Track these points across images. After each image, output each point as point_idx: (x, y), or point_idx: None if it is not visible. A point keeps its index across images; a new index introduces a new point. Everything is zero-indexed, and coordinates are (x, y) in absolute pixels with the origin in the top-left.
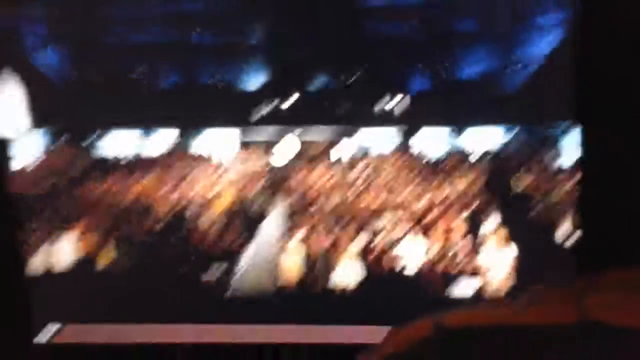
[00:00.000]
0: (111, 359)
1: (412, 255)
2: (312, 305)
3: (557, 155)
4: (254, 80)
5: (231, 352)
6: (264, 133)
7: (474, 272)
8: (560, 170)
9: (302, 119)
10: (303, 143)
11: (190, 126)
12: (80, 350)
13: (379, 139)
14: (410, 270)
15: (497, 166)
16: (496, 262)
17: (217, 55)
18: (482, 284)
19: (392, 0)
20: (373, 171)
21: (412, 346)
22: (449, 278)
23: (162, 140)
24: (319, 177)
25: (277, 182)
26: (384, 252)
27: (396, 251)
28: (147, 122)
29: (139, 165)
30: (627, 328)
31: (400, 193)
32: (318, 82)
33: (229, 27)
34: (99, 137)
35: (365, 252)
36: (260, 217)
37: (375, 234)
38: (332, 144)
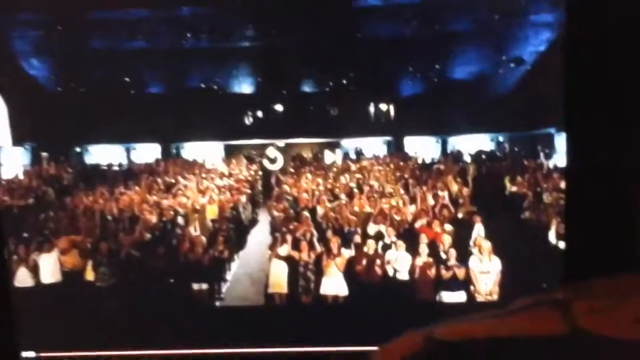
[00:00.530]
0: None
1: (402, 262)
2: (301, 313)
3: (547, 159)
4: (241, 90)
5: None
6: (251, 143)
7: (464, 278)
8: (549, 174)
9: (290, 128)
10: (290, 152)
11: (175, 138)
12: None
13: (368, 147)
14: (400, 277)
15: (487, 171)
16: (486, 267)
17: (206, 62)
18: (473, 290)
19: (383, 0)
20: (362, 178)
21: (403, 359)
22: (439, 285)
23: (147, 152)
24: (306, 186)
25: (264, 191)
26: (373, 259)
27: (386, 258)
28: (132, 135)
29: (123, 177)
30: (614, 338)
31: (390, 199)
32: (305, 89)
33: (219, 33)
34: (84, 150)
35: (354, 260)
36: (248, 226)
37: (365, 240)
38: (320, 152)
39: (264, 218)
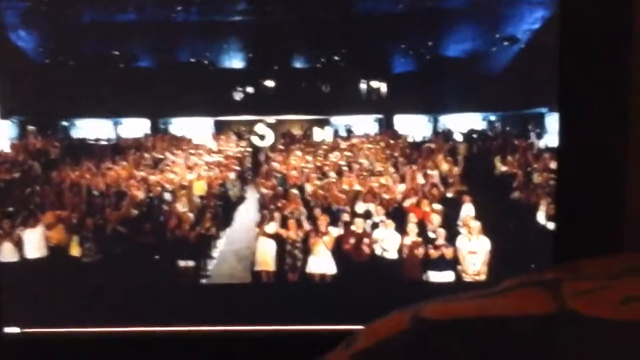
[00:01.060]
0: (84, 349)
1: (390, 241)
2: (288, 291)
3: (538, 139)
4: (231, 65)
5: (207, 338)
6: (240, 119)
7: (452, 258)
8: (540, 154)
9: (280, 105)
10: (280, 129)
11: (163, 113)
12: (50, 339)
13: (359, 124)
14: (388, 256)
15: (478, 150)
16: (474, 247)
17: (196, 36)
18: (460, 270)
19: None
20: (352, 156)
21: (389, 339)
22: (427, 264)
23: (135, 127)
24: (295, 163)
25: (253, 168)
26: (361, 238)
27: (374, 237)
28: (120, 109)
29: (111, 152)
30: (602, 318)
31: (379, 178)
32: (297, 65)
33: (209, 7)
34: (71, 124)
35: (342, 238)
36: (236, 203)
37: (353, 219)
38: (310, 130)
39: (252, 195)
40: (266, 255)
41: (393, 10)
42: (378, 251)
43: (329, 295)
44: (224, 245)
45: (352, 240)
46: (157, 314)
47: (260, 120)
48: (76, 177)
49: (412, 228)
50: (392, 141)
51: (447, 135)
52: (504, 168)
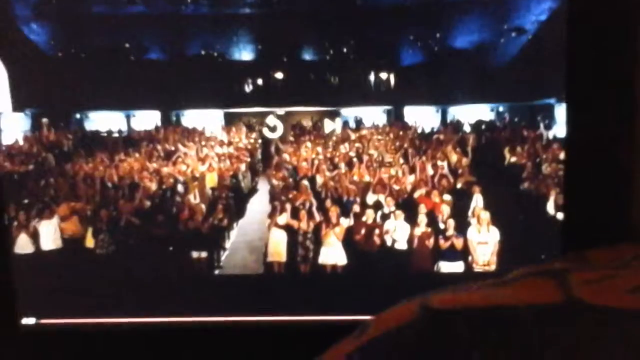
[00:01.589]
0: (99, 339)
1: (400, 232)
2: (300, 281)
3: (547, 130)
4: (241, 57)
5: (220, 328)
6: (251, 111)
7: (462, 249)
8: (549, 144)
9: (290, 96)
10: (290, 121)
11: (175, 105)
12: (65, 331)
13: (368, 116)
14: (399, 247)
15: (487, 141)
16: (484, 238)
17: (205, 28)
18: (470, 261)
19: None
20: (362, 147)
21: (399, 328)
22: (437, 254)
23: (147, 119)
24: (306, 154)
25: (264, 160)
26: (371, 229)
27: (384, 228)
28: (132, 101)
29: (123, 144)
30: (608, 307)
31: (389, 169)
32: (306, 57)
33: (218, 0)
34: (84, 117)
35: (353, 229)
36: (248, 194)
37: (364, 210)
38: (320, 121)
39: (263, 187)
40: (278, 246)
41: (401, 2)
42: (389, 242)
43: (340, 285)
44: (236, 237)
45: (362, 231)
46: (171, 305)
47: (271, 112)
48: (90, 169)
49: (422, 219)
50: (401, 132)
51: (456, 126)
52: (513, 159)
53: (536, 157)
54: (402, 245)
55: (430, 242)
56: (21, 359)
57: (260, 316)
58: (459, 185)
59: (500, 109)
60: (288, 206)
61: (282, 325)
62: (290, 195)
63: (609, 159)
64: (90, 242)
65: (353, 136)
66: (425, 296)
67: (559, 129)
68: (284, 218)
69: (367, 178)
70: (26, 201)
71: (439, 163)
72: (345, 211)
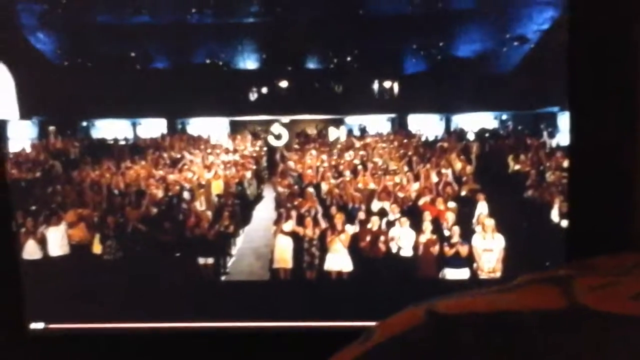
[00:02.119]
0: (106, 344)
1: (405, 239)
2: (306, 288)
3: (550, 138)
4: (246, 66)
5: (226, 334)
6: (256, 119)
7: (467, 256)
8: (552, 152)
9: (294, 105)
10: (295, 129)
11: (180, 113)
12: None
13: (372, 124)
14: (404, 254)
15: (491, 149)
16: (489, 245)
17: (210, 37)
18: (475, 268)
19: None
20: (366, 155)
21: (403, 333)
22: (442, 261)
23: (153, 127)
24: (311, 162)
25: (269, 167)
26: (377, 235)
27: (389, 235)
28: (138, 110)
29: (130, 151)
30: (611, 313)
31: (394, 176)
32: (310, 66)
33: (223, 9)
34: (90, 124)
35: (358, 236)
36: (253, 201)
37: (369, 217)
38: (325, 129)
39: (268, 194)
40: (284, 253)
41: (404, 11)
42: (394, 249)
43: (346, 291)
44: (242, 243)
45: (368, 238)
46: (178, 311)
47: (276, 120)
48: (96, 176)
49: (427, 226)
50: (405, 140)
51: (459, 134)
52: (517, 167)
53: (540, 165)
54: (407, 252)
55: (436, 249)
56: None
57: (266, 322)
58: (463, 193)
59: (504, 117)
60: (294, 213)
61: (288, 331)
62: (296, 203)
63: (612, 167)
64: (97, 249)
65: (357, 144)
66: (431, 302)
67: (562, 137)
68: (289, 225)
69: (371, 185)
70: (34, 208)
71: (443, 171)
72: (350, 218)
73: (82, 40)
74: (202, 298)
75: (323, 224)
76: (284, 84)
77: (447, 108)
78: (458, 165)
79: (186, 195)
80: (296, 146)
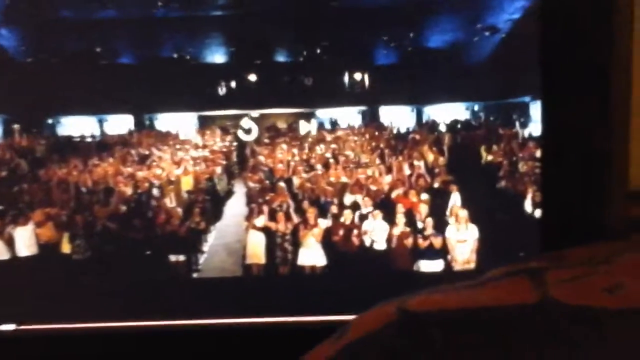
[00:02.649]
0: (79, 344)
1: (379, 232)
2: (279, 283)
3: (522, 128)
4: (214, 60)
5: (200, 332)
6: (225, 114)
7: (441, 247)
8: (525, 142)
9: (264, 98)
10: (265, 123)
11: (148, 109)
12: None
13: (343, 117)
14: (377, 247)
15: (463, 140)
16: (463, 236)
17: (177, 31)
18: (450, 259)
19: None
20: (338, 149)
21: (376, 331)
22: (416, 254)
23: (120, 123)
24: (282, 156)
25: (240, 162)
26: (350, 229)
27: (363, 228)
28: (104, 106)
29: (97, 148)
30: (582, 306)
31: (366, 169)
32: (279, 59)
33: (190, 2)
34: (56, 122)
35: (331, 230)
36: (224, 197)
37: (341, 211)
38: (295, 123)
39: (239, 189)
40: (256, 249)
41: (375, 2)
42: (367, 242)
43: (320, 286)
44: (214, 239)
45: (341, 232)
46: (150, 309)
47: (245, 115)
48: (64, 174)
49: (400, 218)
50: (377, 133)
51: (431, 126)
52: (489, 157)
53: (512, 156)
54: (381, 245)
55: (409, 242)
56: None
57: (239, 318)
58: (436, 185)
59: (476, 107)
60: (265, 208)
61: (262, 327)
62: (267, 197)
63: (585, 157)
64: (66, 248)
65: (328, 137)
66: (403, 299)
67: (535, 127)
68: (261, 220)
69: (343, 179)
70: (0, 208)
71: (416, 163)
72: (323, 212)
73: (46, 37)
74: (174, 296)
75: (295, 219)
76: (253, 77)
77: (419, 99)
78: (430, 156)
79: (155, 192)
80: (266, 140)
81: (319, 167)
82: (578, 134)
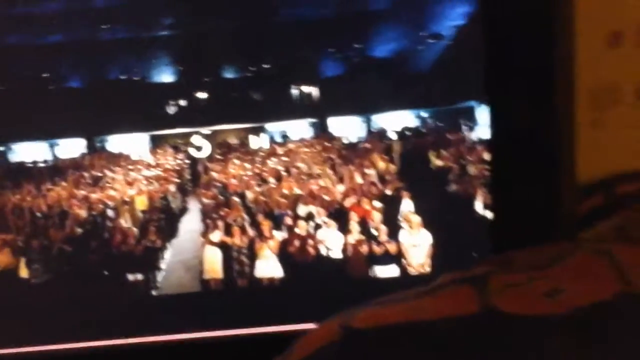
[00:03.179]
0: None
1: (334, 241)
2: (238, 296)
3: (470, 132)
4: (162, 80)
5: (160, 348)
6: (176, 132)
7: (396, 253)
8: (473, 146)
9: (214, 115)
10: (216, 139)
11: (99, 131)
12: None
13: (294, 129)
14: (333, 256)
15: (412, 147)
16: (416, 241)
17: (124, 53)
18: (405, 264)
19: None
20: (289, 161)
21: (320, 350)
22: (372, 260)
23: (71, 147)
24: (234, 171)
25: (193, 179)
26: (305, 240)
27: (318, 238)
28: (55, 131)
29: (50, 173)
30: (522, 315)
31: (318, 180)
32: (227, 75)
33: (135, 24)
34: (7, 149)
35: (287, 241)
36: (179, 214)
37: (296, 222)
38: (246, 138)
39: (194, 206)
40: (213, 264)
41: (319, 15)
42: (323, 251)
43: (278, 297)
44: (171, 257)
45: (296, 243)
46: (110, 328)
47: (196, 132)
48: (18, 200)
49: (354, 227)
50: (327, 144)
51: (381, 134)
52: (439, 162)
53: (461, 159)
54: (336, 253)
55: (364, 249)
56: None
57: (200, 332)
58: (388, 192)
59: (423, 114)
60: (220, 223)
61: (222, 341)
62: (222, 213)
63: (534, 157)
64: (24, 272)
65: (280, 150)
66: (347, 314)
67: (482, 130)
68: (217, 235)
69: (296, 190)
70: None
71: (367, 171)
72: (277, 224)
73: None
74: (134, 313)
75: (251, 232)
76: (202, 95)
77: (367, 109)
78: (381, 164)
79: (110, 213)
80: (218, 156)
81: (271, 180)
82: (525, 134)
